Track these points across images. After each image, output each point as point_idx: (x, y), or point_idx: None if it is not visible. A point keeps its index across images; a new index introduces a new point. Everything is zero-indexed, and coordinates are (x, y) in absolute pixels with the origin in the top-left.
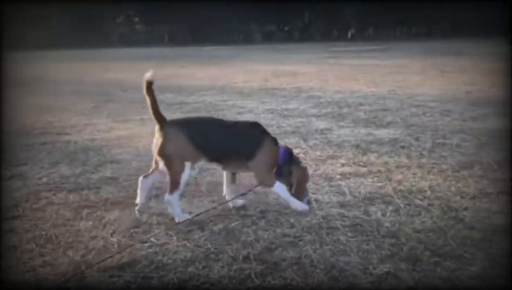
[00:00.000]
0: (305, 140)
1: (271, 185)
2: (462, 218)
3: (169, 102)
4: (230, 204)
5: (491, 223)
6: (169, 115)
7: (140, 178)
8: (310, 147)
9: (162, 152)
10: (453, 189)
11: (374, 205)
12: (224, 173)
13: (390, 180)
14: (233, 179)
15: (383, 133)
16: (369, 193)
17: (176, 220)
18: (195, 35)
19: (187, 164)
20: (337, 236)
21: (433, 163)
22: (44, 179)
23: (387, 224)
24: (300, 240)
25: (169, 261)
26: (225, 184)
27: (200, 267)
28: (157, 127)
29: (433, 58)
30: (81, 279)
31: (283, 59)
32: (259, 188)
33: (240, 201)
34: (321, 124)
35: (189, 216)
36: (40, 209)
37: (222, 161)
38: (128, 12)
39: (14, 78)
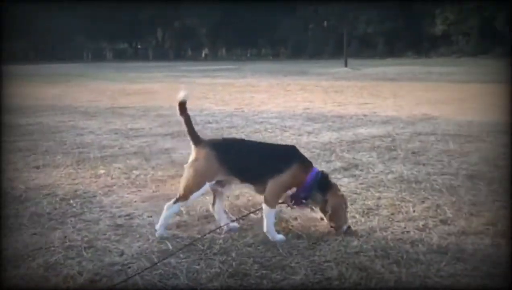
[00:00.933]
0: (147, 160)
1: (272, 207)
2: (291, 228)
3: None
4: (225, 228)
5: (316, 230)
6: None
7: (211, 208)
8: (153, 167)
9: (189, 166)
10: None
11: (209, 223)
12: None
13: (228, 196)
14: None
15: None
16: (206, 211)
17: (156, 229)
18: (38, 51)
19: (207, 184)
20: (168, 259)
21: None
22: None
23: (220, 241)
24: (129, 268)
25: None
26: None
27: None
28: (192, 146)
29: (278, 78)
30: None
31: (134, 77)
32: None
33: (234, 225)
34: (166, 144)
35: (167, 235)
36: None
37: (253, 183)
38: None
39: None
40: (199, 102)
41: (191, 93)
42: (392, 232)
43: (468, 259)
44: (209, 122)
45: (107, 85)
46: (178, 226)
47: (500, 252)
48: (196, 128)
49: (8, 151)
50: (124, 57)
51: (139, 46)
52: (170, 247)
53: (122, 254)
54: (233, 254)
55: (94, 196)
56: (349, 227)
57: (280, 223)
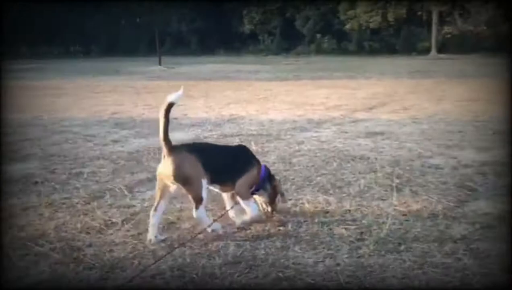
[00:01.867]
0: None
1: (249, 198)
2: (82, 258)
3: None
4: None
5: (112, 256)
6: None
7: (151, 212)
8: None
9: (178, 176)
10: (79, 225)
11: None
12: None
13: (10, 228)
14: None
15: (16, 169)
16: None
17: (209, 230)
18: None
19: (204, 181)
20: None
21: (64, 198)
22: None
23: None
24: None
25: None
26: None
27: None
28: (165, 152)
29: (87, 78)
30: None
31: None
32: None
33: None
34: None
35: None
36: None
37: (221, 183)
38: None
39: None
40: None
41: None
42: (190, 247)
43: (260, 265)
44: None
45: None
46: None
47: (288, 254)
48: None
49: None
50: None
51: None
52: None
53: None
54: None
55: None
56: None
57: (73, 253)
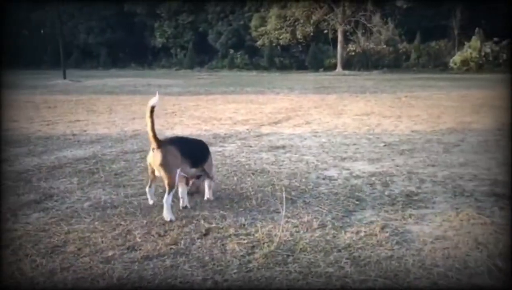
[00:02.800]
0: None
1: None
2: None
3: None
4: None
5: None
6: None
7: (147, 188)
8: None
9: (162, 165)
10: None
11: None
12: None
13: None
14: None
15: None
16: None
17: (166, 218)
18: None
19: (178, 170)
20: None
21: None
22: None
23: None
24: None
25: None
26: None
27: None
28: (154, 146)
29: None
30: None
31: None
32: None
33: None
34: None
35: (173, 218)
36: None
37: (197, 168)
38: None
39: None
40: None
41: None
42: (74, 271)
43: (146, 286)
44: None
45: None
46: None
47: (177, 273)
48: None
49: None
50: None
51: None
52: None
53: None
54: None
55: None
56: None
57: None
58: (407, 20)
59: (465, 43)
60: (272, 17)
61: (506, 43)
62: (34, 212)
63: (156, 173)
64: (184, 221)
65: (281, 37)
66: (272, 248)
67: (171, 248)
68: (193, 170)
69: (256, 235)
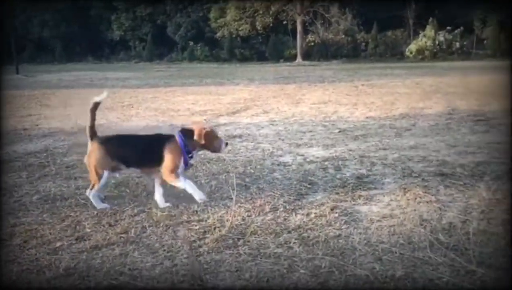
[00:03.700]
0: None
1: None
2: None
3: None
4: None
5: None
6: None
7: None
8: None
9: (87, 162)
10: None
11: None
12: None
13: None
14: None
15: None
16: None
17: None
18: None
19: (106, 171)
20: None
21: None
22: None
23: None
24: None
25: None
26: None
27: None
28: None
29: None
30: None
31: None
32: None
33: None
34: None
35: (107, 205)
36: None
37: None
38: None
39: None
40: None
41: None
42: (19, 263)
43: (94, 275)
44: None
45: None
46: None
47: (126, 260)
48: None
49: None
50: None
51: None
52: None
53: None
54: None
55: None
56: None
57: None
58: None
59: (420, 32)
60: (231, 8)
61: (459, 32)
62: None
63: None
64: (136, 210)
65: (240, 28)
66: (223, 232)
67: (121, 237)
68: (133, 170)
69: (208, 221)
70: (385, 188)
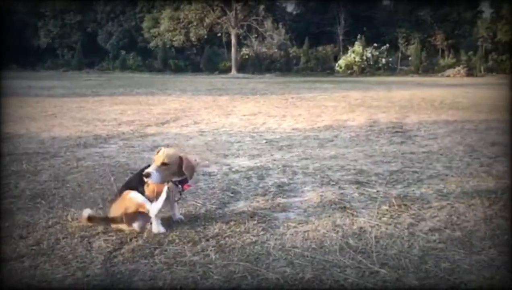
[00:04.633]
0: None
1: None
2: None
3: None
4: None
5: None
6: None
7: None
8: None
9: None
10: None
11: None
12: None
13: None
14: None
15: None
16: None
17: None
18: None
19: None
20: None
21: None
22: None
23: None
24: None
25: None
26: None
27: None
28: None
29: None
30: None
31: None
32: None
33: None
34: None
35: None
36: None
37: None
38: None
39: None
40: None
41: None
42: None
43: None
44: None
45: None
46: None
47: (36, 272)
48: None
49: None
50: None
51: None
52: None
53: None
54: None
55: None
56: None
57: None
58: (297, 25)
59: (349, 48)
60: (165, 19)
61: (385, 48)
62: None
63: None
64: (50, 222)
65: (174, 38)
66: (140, 242)
67: (32, 249)
68: None
69: (126, 231)
70: (304, 195)
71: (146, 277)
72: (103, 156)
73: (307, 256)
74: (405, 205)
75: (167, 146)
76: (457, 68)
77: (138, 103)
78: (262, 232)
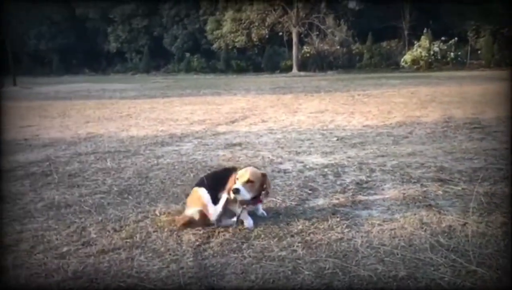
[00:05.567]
0: None
1: None
2: None
3: None
4: None
5: None
6: None
7: None
8: None
9: None
10: None
11: None
12: None
13: None
14: None
15: None
16: None
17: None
18: None
19: None
20: None
21: None
22: None
23: None
24: None
25: None
26: None
27: None
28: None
29: None
30: None
31: None
32: None
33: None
34: None
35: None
36: None
37: None
38: None
39: None
40: None
41: None
42: (27, 268)
43: (102, 278)
44: None
45: None
46: None
47: (133, 264)
48: None
49: None
50: None
51: None
52: None
53: None
54: None
55: None
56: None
57: None
58: (359, 21)
59: (415, 42)
60: (228, 20)
61: (453, 42)
62: None
63: None
64: (139, 216)
65: (236, 40)
66: (227, 236)
67: (126, 242)
68: None
69: (212, 226)
70: (385, 193)
71: (237, 270)
72: (180, 154)
73: (397, 254)
74: (495, 203)
75: (240, 144)
76: None
77: (206, 103)
78: (346, 229)
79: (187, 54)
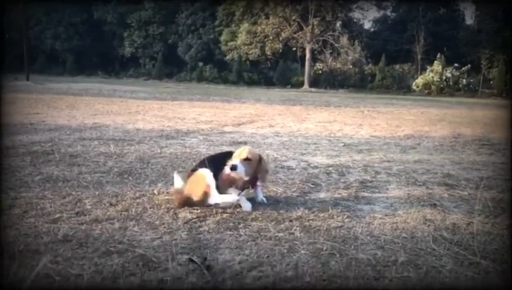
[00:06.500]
0: None
1: None
2: None
3: None
4: None
5: None
6: None
7: None
8: None
9: None
10: None
11: None
12: None
13: None
14: None
15: None
16: None
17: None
18: None
19: None
20: None
21: None
22: None
23: None
24: None
25: None
26: None
27: None
28: None
29: None
30: None
31: None
32: None
33: None
34: None
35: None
36: None
37: None
38: None
39: None
40: None
41: None
42: (16, 229)
43: (92, 242)
44: None
45: None
46: None
47: (125, 233)
48: None
49: None
50: None
51: None
52: None
53: None
54: None
55: None
56: None
57: None
58: (373, 43)
59: (427, 67)
60: (242, 32)
61: (466, 69)
62: None
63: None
64: (137, 194)
65: (250, 52)
66: (225, 216)
67: (121, 214)
68: None
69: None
70: (389, 192)
71: (232, 245)
72: (185, 146)
73: (398, 243)
74: (502, 207)
75: (245, 142)
76: None
77: (215, 107)
78: (347, 219)
79: (200, 64)
